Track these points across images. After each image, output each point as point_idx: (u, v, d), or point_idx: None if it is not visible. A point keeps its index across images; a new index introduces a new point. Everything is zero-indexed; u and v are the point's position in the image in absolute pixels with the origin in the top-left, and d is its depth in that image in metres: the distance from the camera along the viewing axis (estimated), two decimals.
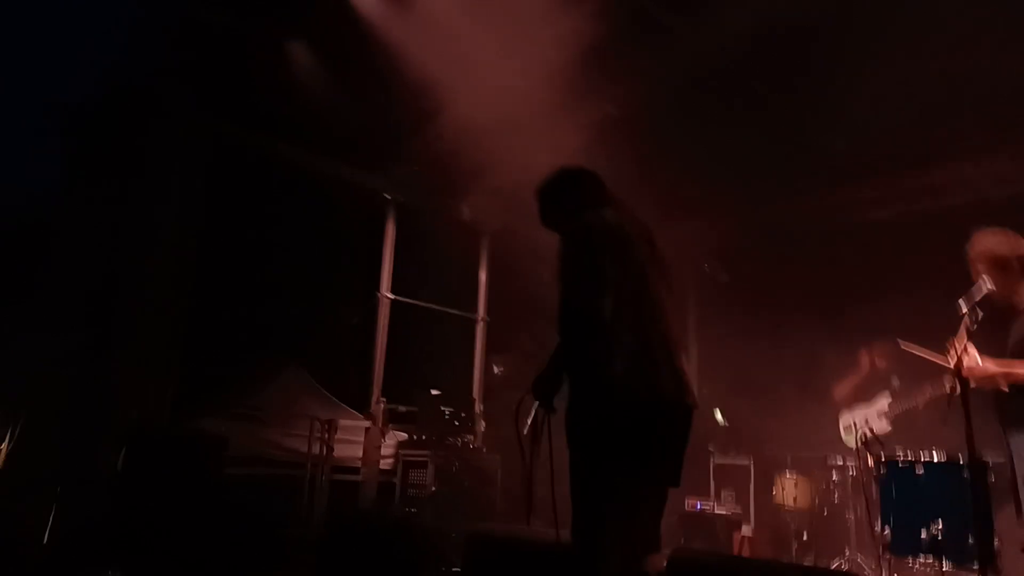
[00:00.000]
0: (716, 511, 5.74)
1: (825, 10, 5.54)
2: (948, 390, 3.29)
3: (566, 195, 2.88)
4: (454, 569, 3.79)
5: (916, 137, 6.44)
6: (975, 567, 3.20)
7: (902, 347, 4.16)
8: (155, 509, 4.77)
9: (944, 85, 5.92)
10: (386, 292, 6.99)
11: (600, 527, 2.38)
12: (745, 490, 6.15)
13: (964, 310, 3.34)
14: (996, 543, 3.27)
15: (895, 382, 5.55)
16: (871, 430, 4.64)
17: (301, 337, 6.89)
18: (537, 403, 2.70)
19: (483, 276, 7.80)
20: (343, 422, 6.60)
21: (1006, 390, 3.29)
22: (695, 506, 5.79)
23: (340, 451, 6.46)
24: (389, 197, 7.10)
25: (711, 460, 6.55)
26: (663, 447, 2.54)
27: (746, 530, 5.64)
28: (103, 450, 5.27)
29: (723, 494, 6.17)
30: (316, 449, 6.23)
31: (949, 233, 3.88)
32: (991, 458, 3.55)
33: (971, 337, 3.34)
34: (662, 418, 2.50)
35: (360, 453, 6.67)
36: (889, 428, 5.20)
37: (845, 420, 5.67)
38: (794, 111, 6.95)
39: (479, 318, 7.70)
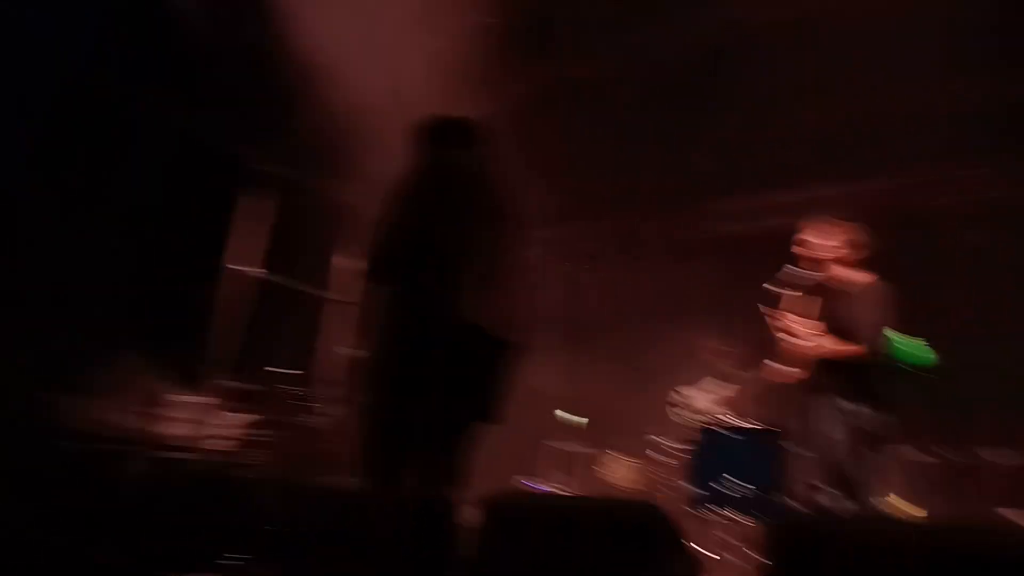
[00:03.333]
0: (546, 490, 5.90)
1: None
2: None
3: (419, 138, 3.00)
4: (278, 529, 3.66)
5: (767, 162, 7.13)
6: (764, 518, 3.50)
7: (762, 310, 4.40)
8: None
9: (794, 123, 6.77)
10: (235, 264, 6.70)
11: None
12: (576, 472, 6.39)
13: (780, 290, 3.72)
14: (784, 498, 3.59)
15: (724, 369, 6.03)
16: (695, 406, 5.00)
17: (136, 304, 6.45)
18: None
19: (345, 259, 7.65)
20: (177, 398, 6.23)
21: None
22: (527, 485, 5.93)
23: (171, 428, 6.10)
24: (252, 165, 6.82)
25: (545, 445, 6.75)
26: (468, 379, 2.54)
27: None
28: None
29: (555, 476, 6.37)
30: (144, 425, 5.84)
31: (783, 246, 4.29)
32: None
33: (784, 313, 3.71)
34: (462, 351, 2.51)
35: (191, 431, 6.31)
36: (715, 408, 5.62)
37: (675, 400, 6.06)
38: (667, 124, 7.44)
39: (335, 299, 7.53)
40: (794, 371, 4.58)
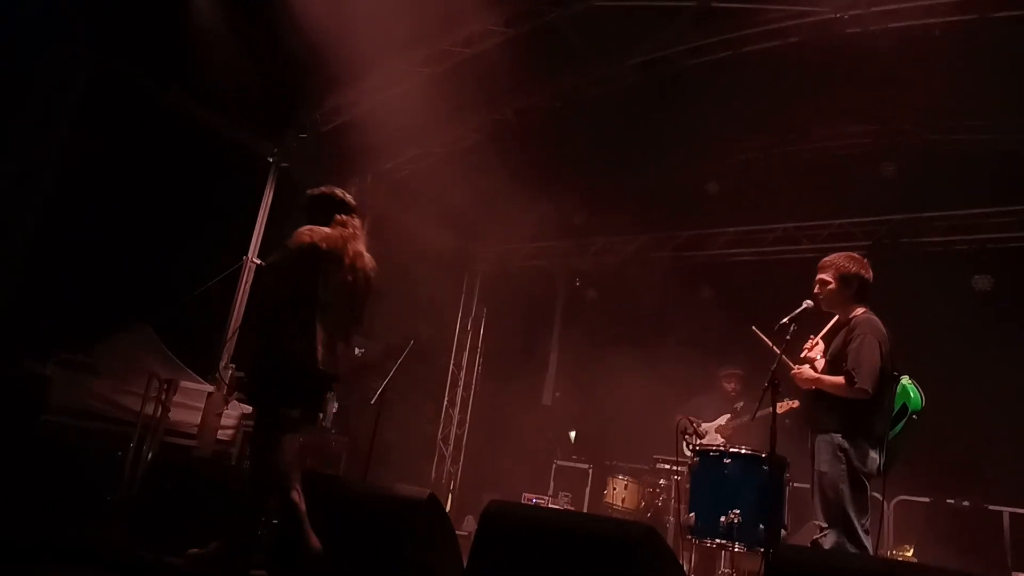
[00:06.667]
0: (549, 506, 5.90)
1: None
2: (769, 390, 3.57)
3: (309, 212, 3.61)
4: (274, 520, 3.69)
5: (772, 194, 7.15)
6: (762, 549, 3.48)
7: (754, 331, 4.34)
8: None
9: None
10: (253, 257, 6.77)
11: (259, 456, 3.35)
12: (582, 492, 6.39)
13: (785, 323, 3.69)
14: (784, 532, 3.57)
15: (740, 404, 6.00)
16: (701, 432, 4.97)
17: (154, 291, 6.53)
18: None
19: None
20: (185, 385, 6.26)
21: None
22: (531, 500, 5.93)
23: (178, 415, 6.13)
24: (272, 161, 6.92)
25: (553, 463, 6.75)
26: (304, 399, 3.40)
27: None
28: None
29: (560, 494, 6.36)
30: (150, 409, 5.88)
31: (792, 278, 4.27)
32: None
33: (788, 346, 3.67)
34: (306, 380, 3.35)
35: (198, 419, 6.35)
36: (722, 440, 5.58)
37: (682, 425, 5.99)
38: (675, 152, 7.48)
39: None
40: (796, 404, 4.56)
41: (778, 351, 3.69)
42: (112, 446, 5.70)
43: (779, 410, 4.13)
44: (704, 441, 5.62)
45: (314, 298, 3.33)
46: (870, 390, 3.36)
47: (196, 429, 6.33)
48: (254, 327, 3.56)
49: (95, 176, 6.01)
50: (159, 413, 5.88)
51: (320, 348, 3.31)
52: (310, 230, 3.39)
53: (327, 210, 3.57)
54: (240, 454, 6.16)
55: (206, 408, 6.35)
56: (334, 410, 6.83)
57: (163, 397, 5.95)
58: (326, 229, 3.45)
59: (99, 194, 6.06)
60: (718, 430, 5.82)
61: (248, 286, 6.72)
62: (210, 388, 6.42)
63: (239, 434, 6.28)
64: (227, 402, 6.43)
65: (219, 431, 6.37)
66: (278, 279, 3.36)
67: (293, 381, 3.32)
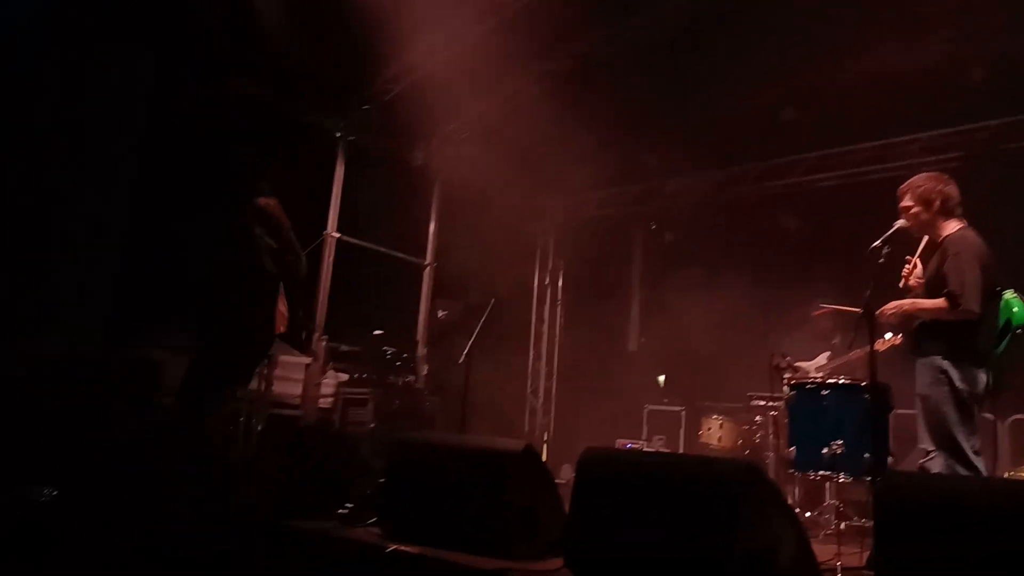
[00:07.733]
0: (644, 450, 5.94)
1: None
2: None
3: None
4: (380, 480, 3.88)
5: (853, 112, 6.75)
6: (868, 479, 3.41)
7: (821, 308, 4.26)
8: (86, 431, 4.77)
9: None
10: (332, 231, 6.96)
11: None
12: (676, 434, 6.38)
13: (878, 246, 3.55)
14: (890, 459, 3.49)
15: (836, 340, 5.81)
16: (799, 367, 4.84)
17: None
18: None
19: (433, 221, 7.82)
20: (283, 358, 6.58)
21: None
22: (625, 445, 5.98)
23: (279, 388, 6.45)
24: (339, 135, 7.04)
25: (645, 408, 6.75)
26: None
27: None
28: (31, 373, 5.22)
29: (654, 437, 6.38)
30: (254, 384, 6.20)
31: (882, 200, 4.08)
32: None
33: (881, 271, 3.52)
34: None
35: (299, 390, 6.67)
36: (819, 369, 5.44)
37: (778, 361, 5.85)
38: (743, 80, 7.14)
39: (426, 263, 7.72)
40: (899, 341, 4.39)
41: (845, 310, 3.56)
42: (223, 421, 6.07)
43: (881, 347, 4.02)
44: (805, 370, 5.50)
45: (265, 270, 3.72)
46: (977, 310, 3.22)
47: (299, 400, 6.67)
48: (224, 302, 3.75)
49: (172, 167, 6.28)
50: (263, 388, 6.23)
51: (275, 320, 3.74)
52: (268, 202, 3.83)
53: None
54: (342, 419, 6.46)
55: (306, 379, 6.67)
56: (425, 372, 7.04)
57: (265, 372, 6.29)
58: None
59: (179, 183, 6.34)
60: (818, 370, 5.64)
61: (331, 259, 6.93)
62: (307, 360, 6.72)
63: (339, 401, 6.58)
64: (324, 372, 6.73)
65: (320, 399, 6.70)
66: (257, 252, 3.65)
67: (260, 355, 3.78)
